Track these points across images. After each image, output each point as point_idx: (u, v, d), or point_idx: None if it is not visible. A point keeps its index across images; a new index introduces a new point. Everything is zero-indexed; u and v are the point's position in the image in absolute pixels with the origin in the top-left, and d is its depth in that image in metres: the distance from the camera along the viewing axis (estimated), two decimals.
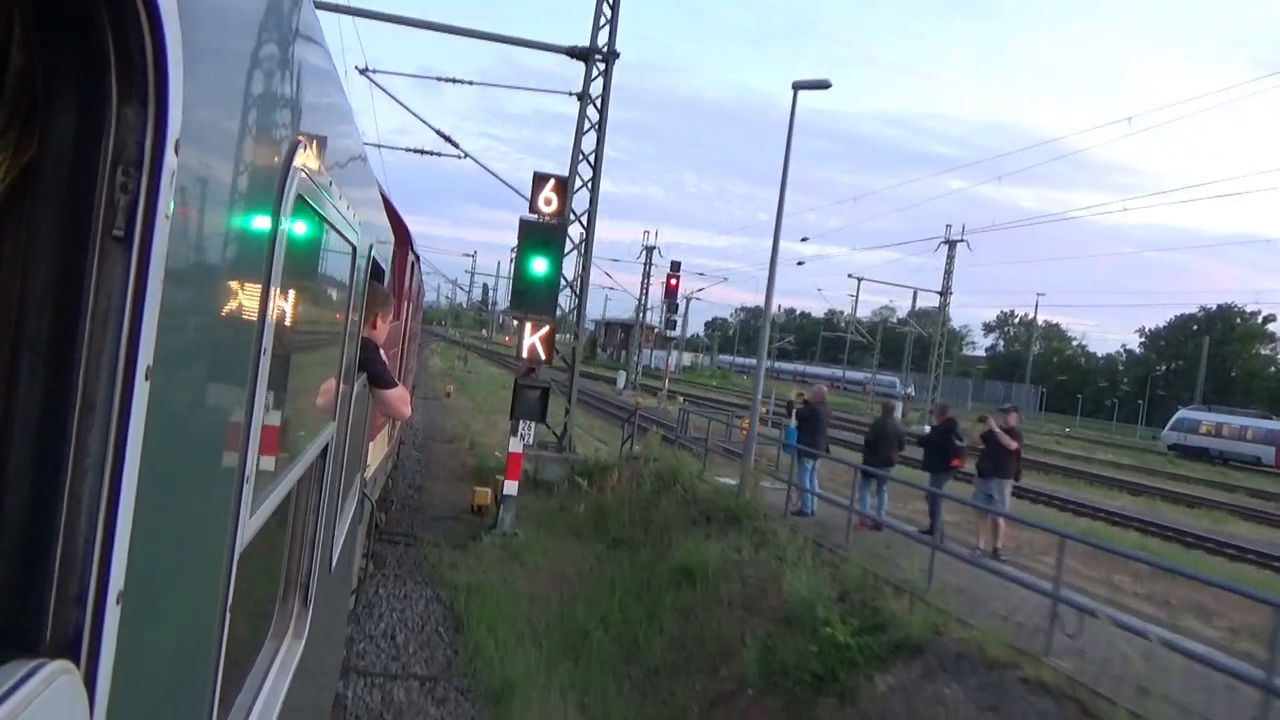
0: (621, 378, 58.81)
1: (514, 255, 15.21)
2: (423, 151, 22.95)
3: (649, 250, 59.66)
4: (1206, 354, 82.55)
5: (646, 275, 59.87)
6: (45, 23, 0.90)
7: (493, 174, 19.70)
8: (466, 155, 20.73)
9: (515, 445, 14.12)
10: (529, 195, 14.26)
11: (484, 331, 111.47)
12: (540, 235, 13.52)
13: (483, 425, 26.88)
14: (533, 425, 15.66)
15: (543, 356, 13.52)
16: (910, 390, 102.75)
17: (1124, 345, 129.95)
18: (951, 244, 53.03)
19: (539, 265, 13.31)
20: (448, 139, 19.75)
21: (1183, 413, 60.80)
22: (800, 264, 55.12)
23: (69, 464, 0.88)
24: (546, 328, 13.61)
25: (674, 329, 45.69)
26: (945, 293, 54.97)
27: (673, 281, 41.81)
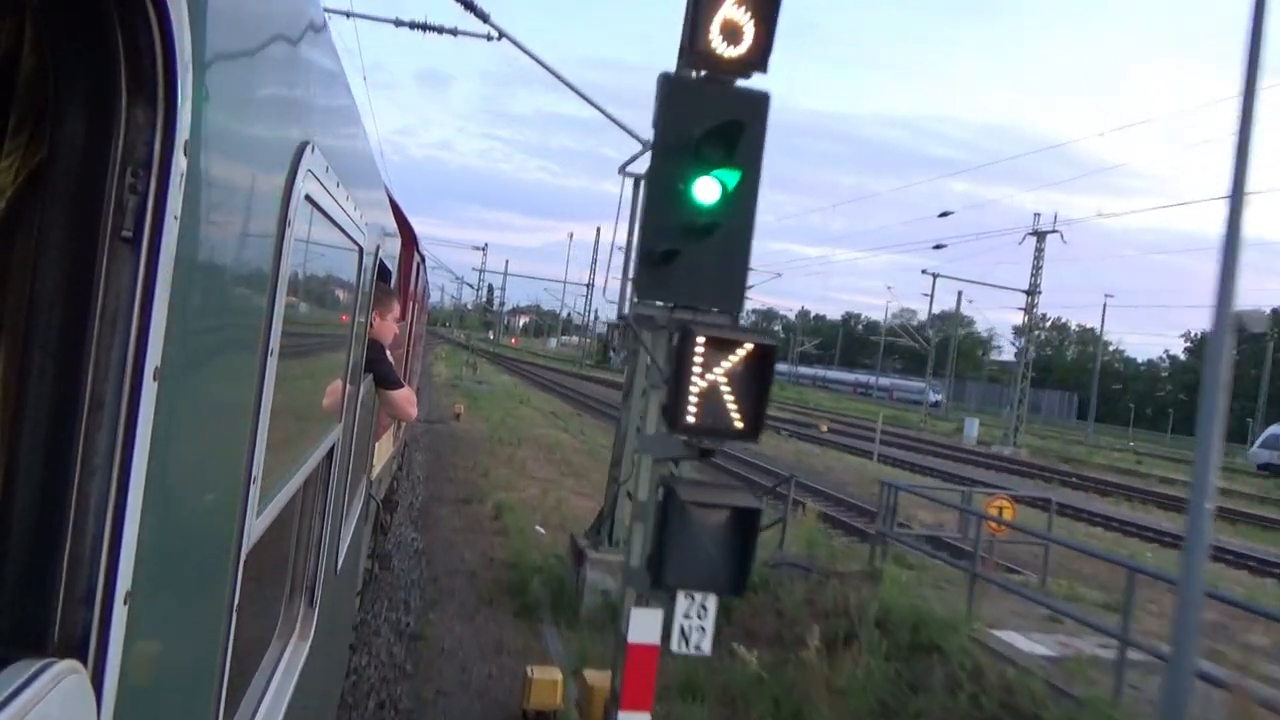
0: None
1: (641, 181, 7.85)
2: (426, 27, 15.15)
3: None
4: (1270, 360, 75.24)
5: None
6: (57, 25, 0.90)
7: (528, 53, 13.44)
8: (500, 35, 13.72)
9: (645, 630, 4.74)
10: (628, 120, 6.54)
11: (490, 334, 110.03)
12: (710, 111, 4.39)
13: (507, 468, 19.07)
14: (710, 603, 4.57)
15: (737, 425, 4.26)
16: (941, 397, 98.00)
17: (1166, 350, 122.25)
18: (1040, 235, 45.40)
19: (707, 189, 4.44)
20: (472, 7, 13.11)
21: (1276, 429, 54.58)
22: (939, 247, 46.71)
23: (77, 463, 0.88)
24: (748, 347, 4.24)
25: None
26: (1033, 291, 46.86)
27: None
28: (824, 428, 42.20)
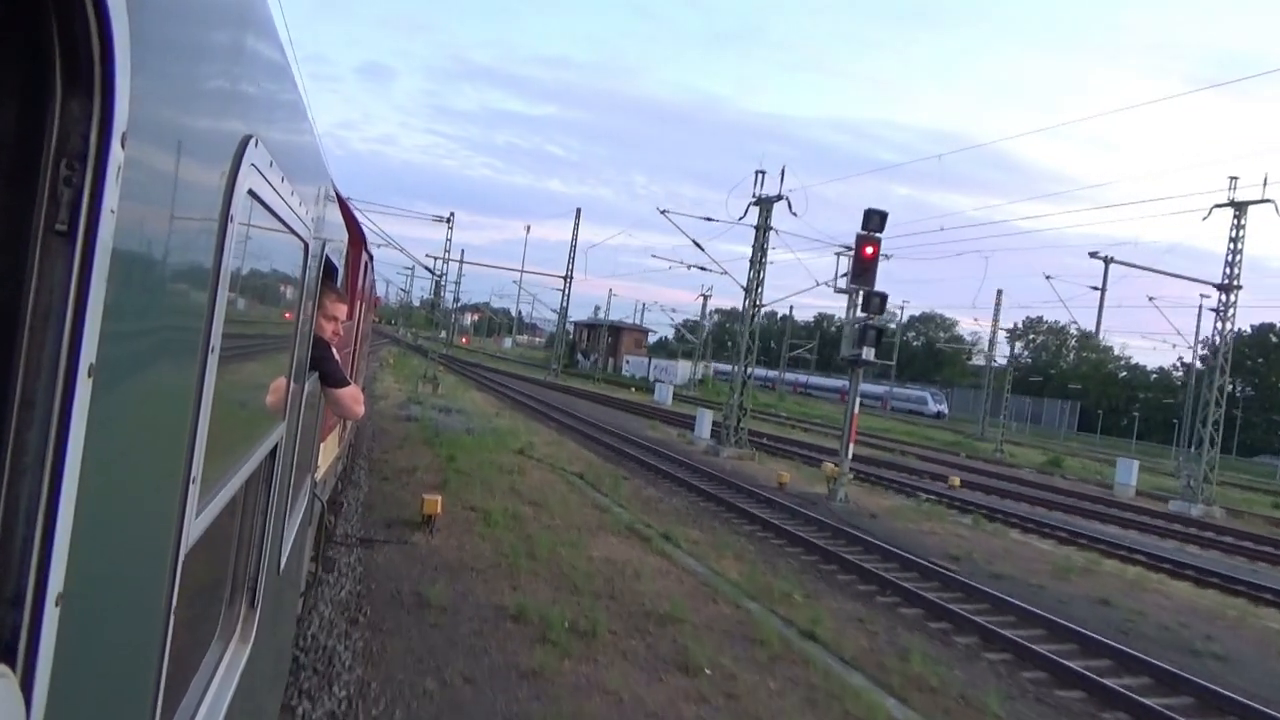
0: (703, 419, 34.12)
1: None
2: None
3: (764, 204, 31.06)
4: None
5: (762, 247, 31.69)
6: None
7: None
8: None
9: None
10: None
11: (442, 333, 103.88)
12: None
13: None
14: None
15: None
16: (944, 408, 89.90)
17: (1180, 359, 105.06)
18: (1239, 206, 29.75)
19: None
20: None
21: None
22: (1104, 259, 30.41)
23: (6, 463, 0.86)
24: None
25: (872, 343, 22.20)
26: (1230, 287, 31.11)
27: (868, 249, 21.75)
28: (956, 481, 28.58)
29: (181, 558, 1.44)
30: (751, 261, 32.44)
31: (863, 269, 22.07)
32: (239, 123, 1.56)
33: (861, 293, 22.35)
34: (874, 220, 21.97)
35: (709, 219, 34.85)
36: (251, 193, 1.66)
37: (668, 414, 45.26)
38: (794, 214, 30.32)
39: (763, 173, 31.78)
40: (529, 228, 71.96)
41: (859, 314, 22.66)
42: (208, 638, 2.22)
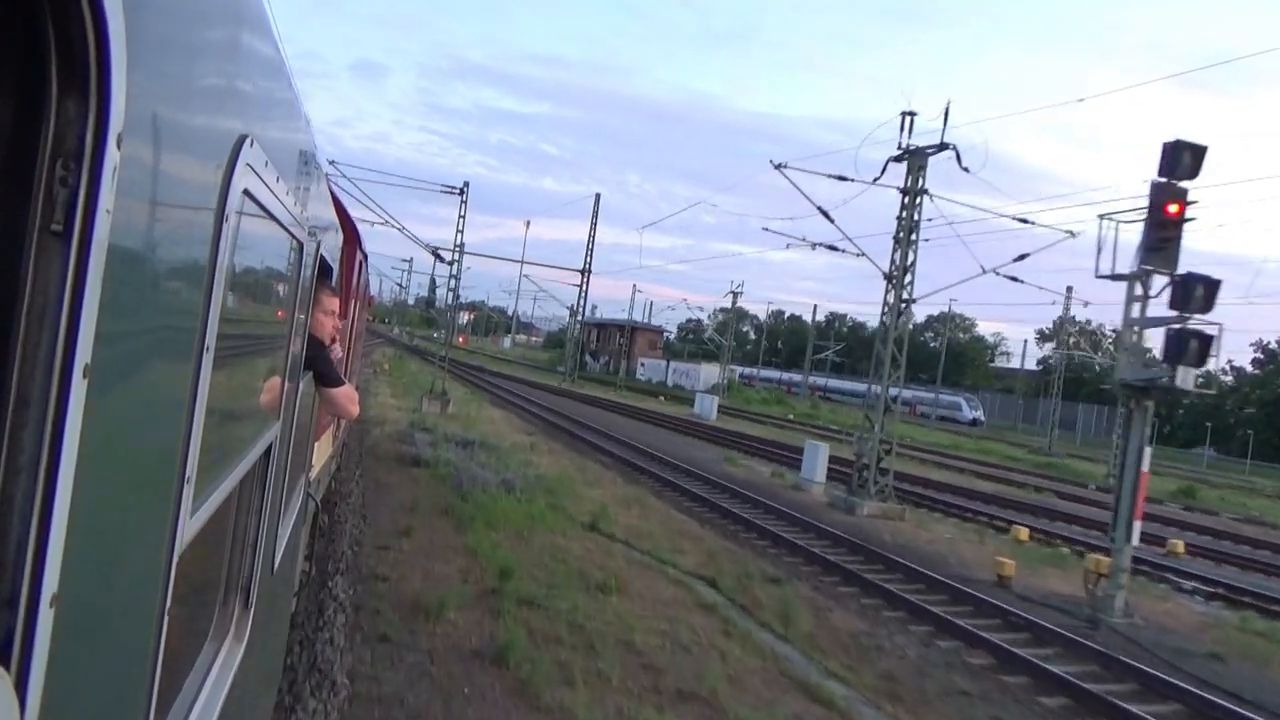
0: (817, 456, 24.85)
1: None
2: None
3: (915, 157, 21.98)
4: None
5: (912, 219, 22.08)
6: None
7: None
8: None
9: None
10: None
11: (436, 333, 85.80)
12: None
13: None
14: None
15: None
16: (979, 414, 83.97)
17: (1230, 362, 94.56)
18: None
19: None
20: None
21: None
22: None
23: (1, 463, 0.86)
24: None
25: (1193, 361, 12.05)
26: None
27: (1172, 207, 12.65)
28: (1179, 548, 20.89)
29: (176, 558, 1.44)
30: (896, 239, 22.39)
31: (1163, 240, 12.86)
32: (234, 122, 1.56)
33: (1165, 279, 13.10)
34: (1183, 161, 12.59)
35: (842, 178, 23.12)
36: (247, 192, 1.65)
37: (726, 436, 36.47)
38: (965, 169, 20.88)
39: (912, 115, 21.74)
40: (529, 223, 67.40)
41: (1166, 312, 13.15)
42: (202, 638, 2.22)
